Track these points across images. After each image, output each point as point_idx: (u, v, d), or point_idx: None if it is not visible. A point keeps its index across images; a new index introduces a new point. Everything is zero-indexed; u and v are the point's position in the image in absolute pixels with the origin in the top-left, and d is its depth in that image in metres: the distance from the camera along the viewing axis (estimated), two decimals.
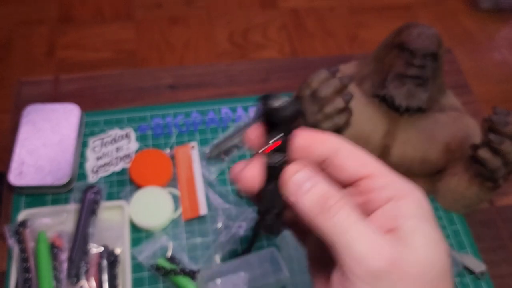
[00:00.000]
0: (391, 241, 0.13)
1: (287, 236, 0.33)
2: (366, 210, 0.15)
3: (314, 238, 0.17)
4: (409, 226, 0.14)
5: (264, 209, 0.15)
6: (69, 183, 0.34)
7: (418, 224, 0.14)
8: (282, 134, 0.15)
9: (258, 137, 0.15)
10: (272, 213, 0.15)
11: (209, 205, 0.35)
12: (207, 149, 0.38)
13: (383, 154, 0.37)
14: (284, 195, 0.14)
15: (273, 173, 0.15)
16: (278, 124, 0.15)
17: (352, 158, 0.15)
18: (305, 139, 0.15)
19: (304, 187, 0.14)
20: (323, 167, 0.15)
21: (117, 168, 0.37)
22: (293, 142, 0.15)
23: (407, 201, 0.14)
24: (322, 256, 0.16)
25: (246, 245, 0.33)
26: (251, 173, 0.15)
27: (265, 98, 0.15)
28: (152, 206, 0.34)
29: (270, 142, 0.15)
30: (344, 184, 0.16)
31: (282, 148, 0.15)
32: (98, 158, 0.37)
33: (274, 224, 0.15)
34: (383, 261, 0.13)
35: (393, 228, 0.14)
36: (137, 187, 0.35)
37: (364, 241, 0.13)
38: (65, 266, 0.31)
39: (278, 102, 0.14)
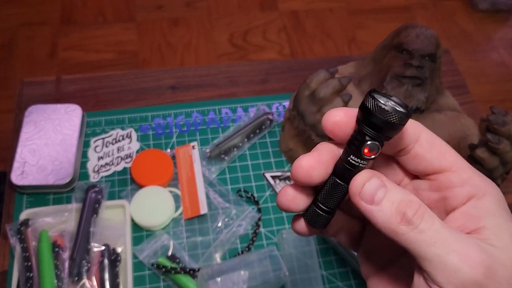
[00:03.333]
0: (478, 245, 0.12)
1: (287, 235, 0.34)
2: (444, 208, 0.14)
3: (370, 237, 0.16)
4: (493, 226, 0.13)
5: (319, 200, 0.14)
6: (70, 182, 0.35)
7: (503, 223, 0.13)
8: (377, 143, 0.13)
9: (345, 126, 0.13)
10: (323, 209, 0.14)
11: (210, 204, 0.36)
12: (207, 149, 0.38)
13: None
14: (354, 203, 0.13)
15: (345, 173, 0.13)
16: (378, 128, 0.12)
17: (433, 147, 0.14)
18: None
19: (378, 196, 0.13)
20: (398, 155, 0.14)
21: (119, 167, 0.37)
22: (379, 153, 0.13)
23: (488, 199, 0.13)
24: (379, 256, 0.15)
25: (246, 244, 0.34)
26: (318, 163, 0.13)
27: (377, 94, 0.12)
28: (153, 206, 0.34)
29: (364, 145, 0.13)
30: (416, 176, 0.14)
31: (375, 154, 0.13)
32: (100, 158, 0.38)
33: (320, 218, 0.14)
34: (478, 271, 0.12)
35: (476, 228, 0.13)
36: (138, 186, 0.36)
37: (454, 251, 0.12)
38: (66, 265, 0.31)
39: (394, 104, 0.12)
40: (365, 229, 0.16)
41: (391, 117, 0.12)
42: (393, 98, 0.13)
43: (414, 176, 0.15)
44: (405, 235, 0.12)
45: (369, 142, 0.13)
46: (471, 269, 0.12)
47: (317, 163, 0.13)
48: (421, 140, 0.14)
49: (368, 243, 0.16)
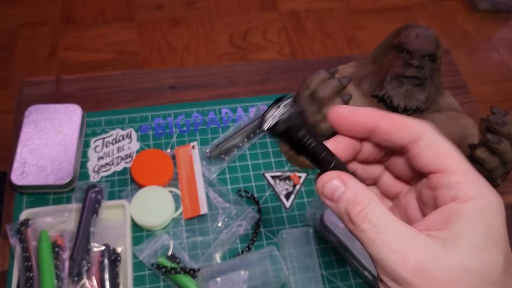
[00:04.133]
0: (426, 244, 0.13)
1: (287, 235, 0.34)
2: (434, 206, 0.14)
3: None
4: (458, 229, 0.13)
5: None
6: (70, 182, 0.35)
7: (470, 228, 0.13)
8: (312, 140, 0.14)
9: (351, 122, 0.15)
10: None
11: (210, 204, 0.36)
12: (207, 149, 0.38)
13: None
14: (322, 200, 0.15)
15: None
16: (290, 133, 0.14)
17: (430, 149, 0.14)
18: (386, 124, 0.15)
19: (336, 195, 0.14)
20: (403, 152, 0.15)
21: (119, 167, 0.37)
22: (364, 125, 0.15)
23: (471, 204, 0.13)
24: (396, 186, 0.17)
25: (246, 244, 0.34)
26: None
27: (262, 118, 0.14)
28: (153, 205, 0.34)
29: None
30: (420, 174, 0.15)
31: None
32: (100, 158, 0.38)
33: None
34: (407, 270, 0.13)
35: (440, 229, 0.13)
36: (139, 186, 0.36)
37: (389, 250, 0.13)
38: (66, 264, 0.31)
39: (274, 116, 0.14)
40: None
41: (287, 121, 0.14)
42: (275, 110, 0.14)
43: (421, 175, 0.16)
44: (353, 232, 0.14)
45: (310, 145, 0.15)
46: (401, 268, 0.13)
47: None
48: (422, 140, 0.15)
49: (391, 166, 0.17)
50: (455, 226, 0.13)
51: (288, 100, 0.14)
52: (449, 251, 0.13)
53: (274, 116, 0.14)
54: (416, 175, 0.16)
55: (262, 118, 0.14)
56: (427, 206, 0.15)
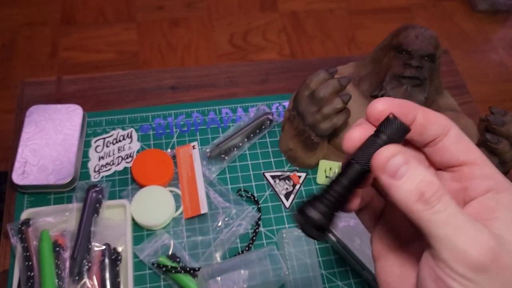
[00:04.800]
0: (490, 232, 0.13)
1: (287, 235, 0.34)
2: (463, 198, 0.14)
3: (388, 216, 0.16)
4: (506, 219, 0.13)
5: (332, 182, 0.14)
6: (71, 182, 0.35)
7: None
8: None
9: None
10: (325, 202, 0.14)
11: (210, 203, 0.36)
12: (207, 149, 0.38)
13: None
14: (376, 176, 0.13)
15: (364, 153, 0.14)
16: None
17: (460, 142, 0.15)
18: (422, 116, 0.14)
19: (400, 172, 0.13)
20: (427, 146, 0.15)
21: (119, 167, 0.37)
22: (407, 120, 0.14)
23: (506, 195, 0.14)
24: (393, 237, 0.16)
25: (247, 243, 0.34)
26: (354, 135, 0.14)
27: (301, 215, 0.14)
28: (154, 205, 0.34)
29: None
30: (441, 167, 0.15)
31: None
32: (101, 158, 0.38)
33: (325, 219, 0.14)
34: (485, 256, 0.12)
35: (489, 219, 0.13)
36: (139, 186, 0.36)
37: (465, 234, 0.13)
38: (67, 264, 0.31)
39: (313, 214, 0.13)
40: (385, 208, 0.17)
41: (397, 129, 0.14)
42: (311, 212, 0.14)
43: (438, 168, 0.16)
44: (420, 213, 0.13)
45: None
46: (479, 253, 0.13)
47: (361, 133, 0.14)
48: (450, 133, 0.15)
49: (386, 222, 0.17)
50: (502, 216, 0.13)
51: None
52: (508, 239, 0.13)
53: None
54: (435, 169, 0.15)
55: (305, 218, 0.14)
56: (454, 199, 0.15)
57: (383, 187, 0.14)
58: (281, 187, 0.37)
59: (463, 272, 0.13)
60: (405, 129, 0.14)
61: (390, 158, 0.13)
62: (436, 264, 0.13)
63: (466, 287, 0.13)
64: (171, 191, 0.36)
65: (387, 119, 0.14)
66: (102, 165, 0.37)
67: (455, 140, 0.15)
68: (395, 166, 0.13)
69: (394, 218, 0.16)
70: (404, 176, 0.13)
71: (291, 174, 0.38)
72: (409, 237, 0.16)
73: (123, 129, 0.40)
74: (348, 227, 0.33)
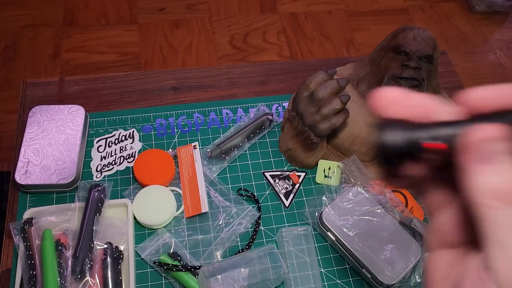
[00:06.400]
0: None
1: (286, 233, 0.34)
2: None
3: (451, 216, 0.13)
4: None
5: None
6: (73, 182, 0.35)
7: None
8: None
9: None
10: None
11: (210, 203, 0.36)
12: (208, 149, 0.39)
13: None
14: (458, 152, 0.11)
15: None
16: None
17: None
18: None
19: (495, 159, 0.10)
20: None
21: (121, 167, 0.38)
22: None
23: None
24: (454, 234, 0.13)
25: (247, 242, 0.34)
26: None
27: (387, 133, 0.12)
28: (155, 204, 0.35)
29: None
30: None
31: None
32: (103, 158, 0.38)
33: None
34: None
35: None
36: (141, 185, 0.36)
37: None
38: (69, 263, 0.31)
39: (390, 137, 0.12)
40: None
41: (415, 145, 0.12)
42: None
43: None
44: (491, 211, 0.11)
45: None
46: None
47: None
48: None
49: (451, 215, 0.14)
50: None
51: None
52: None
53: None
54: None
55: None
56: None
57: (460, 168, 0.11)
58: (281, 187, 0.38)
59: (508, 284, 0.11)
60: None
61: (490, 139, 0.11)
62: (485, 272, 0.11)
63: None
64: (172, 191, 0.36)
65: None
66: (104, 165, 0.38)
67: None
68: (493, 150, 0.11)
69: (459, 215, 0.13)
70: (496, 164, 0.11)
71: (291, 173, 0.38)
72: (468, 238, 0.13)
73: (125, 129, 0.40)
74: (347, 225, 0.33)
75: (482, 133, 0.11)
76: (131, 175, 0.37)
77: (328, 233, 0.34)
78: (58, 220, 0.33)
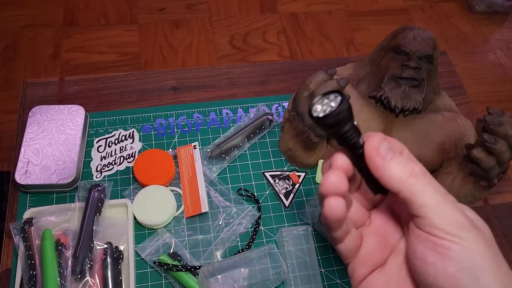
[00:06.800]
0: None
1: (286, 233, 0.34)
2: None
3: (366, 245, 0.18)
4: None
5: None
6: (73, 182, 0.35)
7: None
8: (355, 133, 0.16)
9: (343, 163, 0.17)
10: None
11: (210, 203, 0.36)
12: (208, 149, 0.39)
13: None
14: (368, 159, 0.16)
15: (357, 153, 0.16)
16: (335, 126, 0.15)
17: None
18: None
19: (388, 156, 0.16)
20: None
21: (121, 167, 0.38)
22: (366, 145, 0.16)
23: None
24: (376, 257, 0.18)
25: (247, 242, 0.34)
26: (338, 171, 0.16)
27: (310, 107, 0.15)
28: (155, 204, 0.35)
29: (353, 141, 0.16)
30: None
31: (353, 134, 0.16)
32: (103, 158, 0.38)
33: (381, 187, 0.16)
34: (466, 219, 0.15)
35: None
36: (141, 185, 0.36)
37: (448, 202, 0.15)
38: (69, 263, 0.31)
39: (323, 108, 0.15)
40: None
41: (334, 118, 0.15)
42: (319, 100, 0.15)
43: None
44: (413, 186, 0.15)
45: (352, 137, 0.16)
46: (463, 216, 0.15)
47: (339, 179, 0.16)
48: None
49: (365, 247, 0.19)
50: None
51: (337, 94, 0.15)
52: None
53: (324, 106, 0.15)
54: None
55: (310, 104, 0.15)
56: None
57: (375, 169, 0.16)
58: (281, 187, 0.38)
59: (455, 232, 0.15)
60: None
61: (381, 142, 0.16)
62: (429, 230, 0.15)
63: (457, 243, 0.15)
64: (172, 191, 0.36)
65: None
66: (104, 165, 0.38)
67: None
68: (385, 150, 0.16)
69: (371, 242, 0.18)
70: (392, 158, 0.16)
71: (291, 173, 0.38)
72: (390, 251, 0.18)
73: (125, 129, 0.40)
74: None
75: (375, 141, 0.16)
76: (131, 175, 0.37)
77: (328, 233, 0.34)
78: (58, 220, 0.33)
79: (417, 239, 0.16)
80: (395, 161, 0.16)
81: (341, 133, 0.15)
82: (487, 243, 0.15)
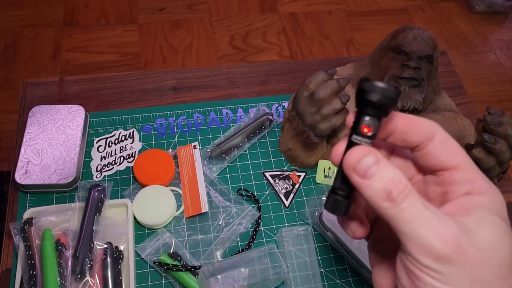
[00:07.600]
0: (458, 225, 0.13)
1: (286, 233, 0.34)
2: (443, 201, 0.15)
3: (379, 227, 0.17)
4: (479, 215, 0.14)
5: (335, 186, 0.15)
6: (73, 181, 0.35)
7: (489, 215, 0.14)
8: (373, 120, 0.14)
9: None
10: (339, 194, 0.15)
11: (210, 203, 0.36)
12: (208, 149, 0.39)
13: None
14: (346, 175, 0.14)
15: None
16: (376, 106, 0.14)
17: (445, 147, 0.15)
18: (402, 123, 0.15)
19: (370, 172, 0.14)
20: (413, 151, 0.15)
21: (121, 167, 0.38)
22: (387, 126, 0.15)
23: (484, 197, 0.14)
24: (384, 246, 0.17)
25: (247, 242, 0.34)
26: (339, 149, 0.15)
27: (367, 80, 0.14)
28: (155, 204, 0.35)
29: (362, 123, 0.14)
30: (428, 172, 0.16)
31: (373, 131, 0.14)
32: (103, 158, 0.38)
33: (339, 204, 0.15)
34: (449, 247, 0.13)
35: (463, 215, 0.14)
36: (141, 185, 0.36)
37: (429, 228, 0.13)
38: (69, 263, 0.31)
39: (384, 85, 0.14)
40: (376, 219, 0.18)
41: (384, 92, 0.14)
42: (382, 83, 0.14)
43: (426, 173, 0.16)
44: (387, 211, 0.14)
45: (366, 118, 0.14)
46: (443, 244, 0.13)
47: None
48: (435, 139, 0.15)
49: (378, 231, 0.17)
50: (476, 213, 0.14)
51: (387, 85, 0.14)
52: (477, 234, 0.14)
53: (378, 85, 0.14)
54: (424, 174, 0.16)
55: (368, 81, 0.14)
56: (434, 201, 0.16)
57: (355, 186, 0.14)
58: (281, 187, 0.38)
59: (429, 264, 0.13)
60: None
61: (361, 158, 0.14)
62: (406, 258, 0.14)
63: (434, 278, 0.13)
64: (172, 191, 0.36)
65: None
66: (104, 165, 0.38)
67: (439, 146, 0.15)
68: (365, 166, 0.14)
69: (383, 228, 0.17)
70: (374, 175, 0.14)
71: (291, 173, 0.38)
72: (397, 246, 0.16)
73: (125, 129, 0.40)
74: None
75: (352, 157, 0.14)
76: (131, 175, 0.37)
77: (328, 233, 0.34)
78: (58, 220, 0.33)
79: (399, 257, 0.14)
80: (375, 180, 0.14)
81: (376, 110, 0.14)
82: (477, 273, 0.13)
